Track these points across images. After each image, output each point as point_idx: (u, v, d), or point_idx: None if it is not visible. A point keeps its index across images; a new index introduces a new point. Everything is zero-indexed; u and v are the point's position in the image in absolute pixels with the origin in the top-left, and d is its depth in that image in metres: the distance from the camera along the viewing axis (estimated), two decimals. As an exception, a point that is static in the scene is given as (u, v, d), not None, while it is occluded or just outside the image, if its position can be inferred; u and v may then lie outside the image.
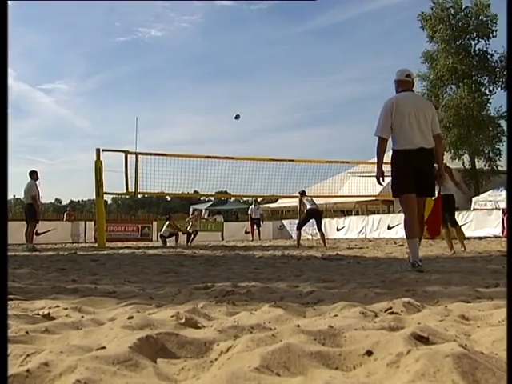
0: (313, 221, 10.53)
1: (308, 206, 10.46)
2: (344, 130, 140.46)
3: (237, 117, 12.80)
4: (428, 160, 4.27)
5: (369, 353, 1.18)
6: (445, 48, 19.44)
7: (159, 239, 14.41)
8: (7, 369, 1.06)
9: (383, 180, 4.32)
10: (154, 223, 19.21)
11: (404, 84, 4.40)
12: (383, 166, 4.30)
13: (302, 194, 10.91)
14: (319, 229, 10.49)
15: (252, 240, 16.87)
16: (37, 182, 10.58)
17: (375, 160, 4.41)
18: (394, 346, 1.19)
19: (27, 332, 1.52)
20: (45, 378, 1.04)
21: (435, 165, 4.43)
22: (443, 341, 1.28)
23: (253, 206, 18.04)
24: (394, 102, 4.28)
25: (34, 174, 10.59)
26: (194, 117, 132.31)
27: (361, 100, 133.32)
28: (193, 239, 14.03)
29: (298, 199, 10.99)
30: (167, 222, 13.94)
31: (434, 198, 4.87)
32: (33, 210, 10.40)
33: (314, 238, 17.78)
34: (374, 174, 4.46)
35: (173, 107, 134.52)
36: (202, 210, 12.69)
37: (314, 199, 11.02)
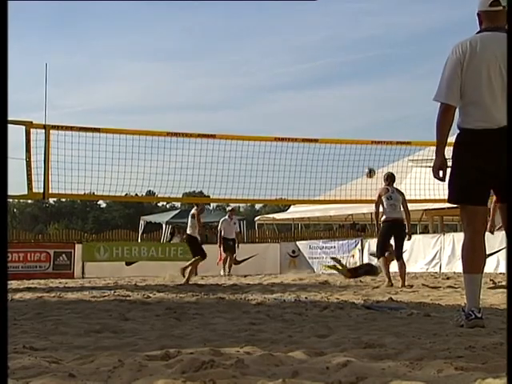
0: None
1: (385, 213, 10.35)
2: (404, 88, 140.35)
3: (371, 172, 13.10)
4: None
5: None
6: None
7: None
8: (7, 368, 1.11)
9: (444, 174, 4.45)
10: (78, 247, 19.30)
11: (488, 18, 4.39)
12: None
13: (388, 178, 10.57)
14: (398, 255, 10.48)
15: (225, 275, 17.24)
16: None
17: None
18: None
19: None
20: None
21: None
22: None
23: (226, 217, 18.44)
24: (468, 48, 4.32)
25: None
26: (146, 65, 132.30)
27: (437, 34, 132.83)
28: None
29: (327, 205, 10.80)
30: (190, 218, 13.39)
31: None
32: None
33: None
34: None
35: (109, 48, 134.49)
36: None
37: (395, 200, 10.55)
